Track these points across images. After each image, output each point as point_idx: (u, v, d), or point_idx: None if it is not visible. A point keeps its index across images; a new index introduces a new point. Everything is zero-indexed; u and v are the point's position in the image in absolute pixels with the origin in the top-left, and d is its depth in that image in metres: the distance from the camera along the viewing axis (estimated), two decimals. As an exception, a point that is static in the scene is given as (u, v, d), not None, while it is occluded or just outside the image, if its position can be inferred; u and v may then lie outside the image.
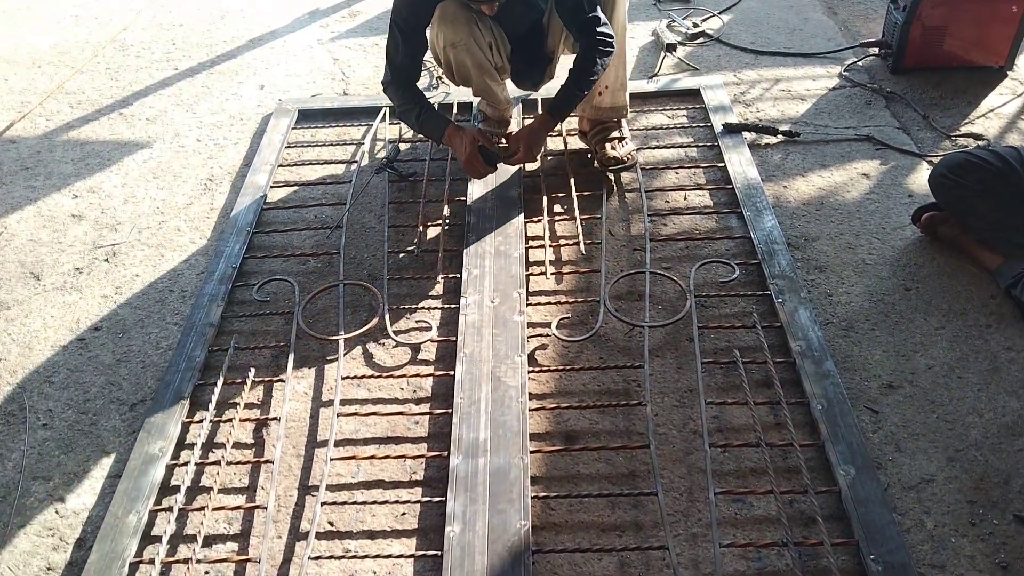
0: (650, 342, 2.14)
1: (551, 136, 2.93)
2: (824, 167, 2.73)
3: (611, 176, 2.68)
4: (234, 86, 3.47)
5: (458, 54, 2.43)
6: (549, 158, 2.81)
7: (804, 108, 3.05)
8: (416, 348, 2.20)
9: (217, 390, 2.04)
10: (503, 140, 2.70)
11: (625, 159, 2.65)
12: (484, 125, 2.77)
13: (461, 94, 3.06)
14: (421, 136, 2.81)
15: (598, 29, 2.27)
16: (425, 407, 2.04)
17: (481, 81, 2.56)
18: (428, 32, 2.36)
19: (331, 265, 2.49)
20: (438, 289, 2.37)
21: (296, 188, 2.81)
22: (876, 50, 3.23)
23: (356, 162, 2.88)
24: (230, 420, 1.98)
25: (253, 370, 2.11)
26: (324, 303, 2.36)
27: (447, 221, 2.55)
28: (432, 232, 2.56)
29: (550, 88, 2.66)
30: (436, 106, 2.54)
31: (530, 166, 2.81)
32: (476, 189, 2.62)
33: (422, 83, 3.14)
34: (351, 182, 2.76)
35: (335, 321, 2.28)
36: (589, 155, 2.70)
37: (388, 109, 3.10)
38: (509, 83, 2.71)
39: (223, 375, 2.08)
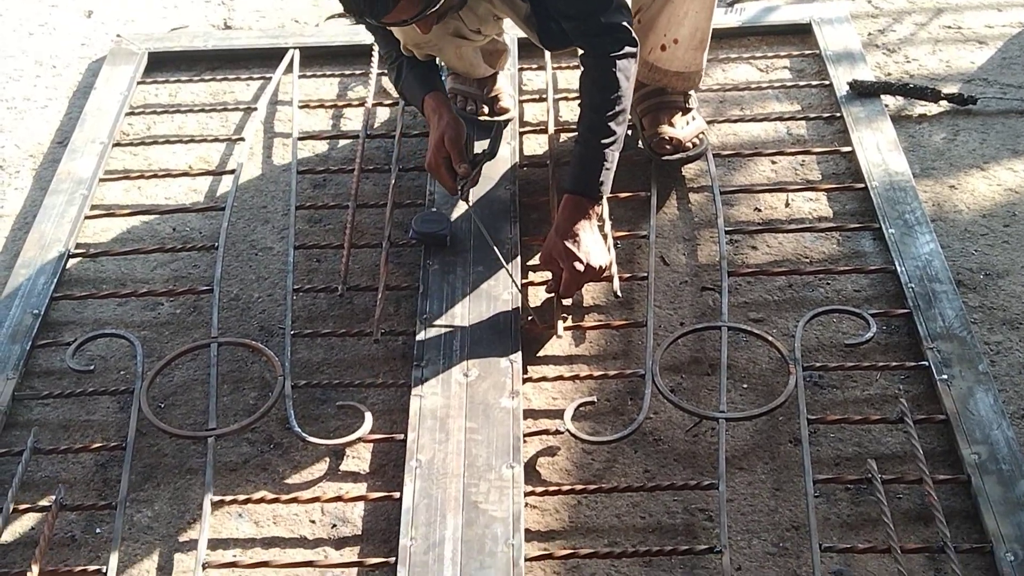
0: (730, 446, 2.14)
1: (565, 98, 2.96)
2: (1017, 154, 2.77)
3: (667, 168, 2.71)
4: (43, 11, 3.50)
5: (426, 52, 2.51)
6: (564, 136, 2.84)
7: (984, 57, 3.09)
8: (338, 453, 2.19)
9: (1, 522, 2.02)
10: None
11: (690, 143, 2.68)
12: (455, 82, 2.81)
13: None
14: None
15: (603, 20, 2.29)
16: (352, 553, 2.03)
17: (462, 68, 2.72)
18: None
19: (198, 312, 2.49)
20: (376, 353, 2.37)
21: (143, 182, 2.83)
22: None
23: (243, 140, 2.90)
24: (22, 574, 1.96)
25: (64, 488, 2.10)
26: (185, 375, 2.35)
27: (392, 239, 2.57)
28: (368, 257, 2.58)
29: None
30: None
31: (535, 148, 2.84)
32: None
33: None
34: (235, 173, 2.79)
35: (202, 406, 2.27)
36: (630, 131, 2.73)
37: (297, 52, 3.14)
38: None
39: (12, 496, 2.07)
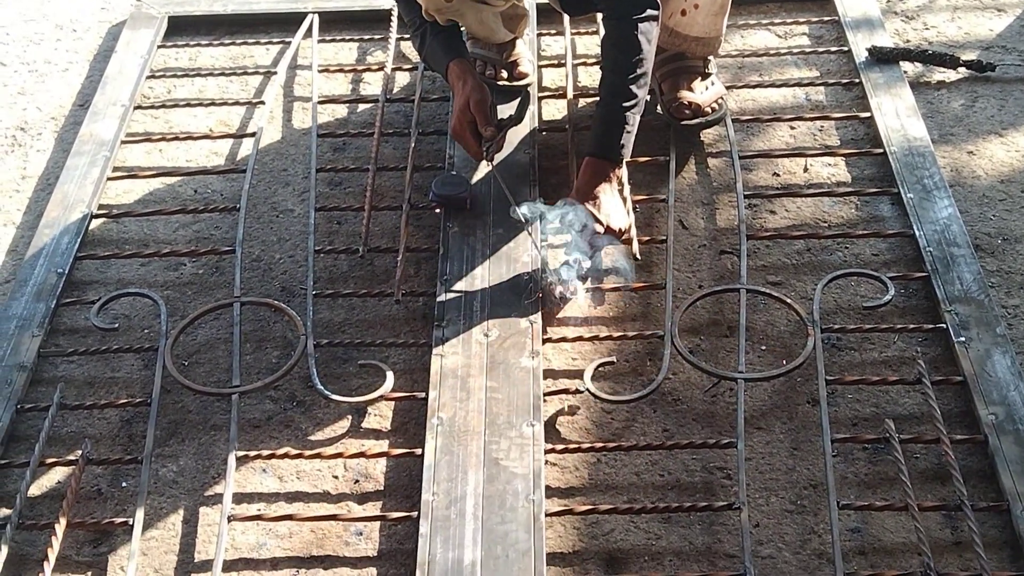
0: (748, 406, 2.16)
1: (584, 63, 2.97)
2: (1035, 121, 2.78)
3: (685, 133, 2.72)
4: (63, -24, 3.52)
5: (447, 17, 2.49)
6: (582, 102, 2.85)
7: (1002, 24, 3.09)
8: (360, 410, 2.21)
9: (29, 476, 2.05)
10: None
11: (709, 108, 2.69)
12: (474, 47, 2.81)
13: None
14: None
15: None
16: (374, 507, 2.05)
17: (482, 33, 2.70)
18: None
19: (220, 272, 2.51)
20: (397, 314, 2.40)
21: (164, 144, 2.84)
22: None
23: (263, 103, 2.92)
24: (49, 526, 1.99)
25: (90, 443, 2.13)
26: (209, 334, 2.38)
27: (412, 202, 2.59)
28: (388, 220, 2.60)
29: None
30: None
31: (553, 113, 2.85)
32: (462, 149, 2.66)
33: None
34: (255, 136, 2.80)
35: (226, 364, 2.30)
36: (649, 96, 2.73)
37: (317, 16, 3.15)
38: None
39: (40, 450, 2.09)
